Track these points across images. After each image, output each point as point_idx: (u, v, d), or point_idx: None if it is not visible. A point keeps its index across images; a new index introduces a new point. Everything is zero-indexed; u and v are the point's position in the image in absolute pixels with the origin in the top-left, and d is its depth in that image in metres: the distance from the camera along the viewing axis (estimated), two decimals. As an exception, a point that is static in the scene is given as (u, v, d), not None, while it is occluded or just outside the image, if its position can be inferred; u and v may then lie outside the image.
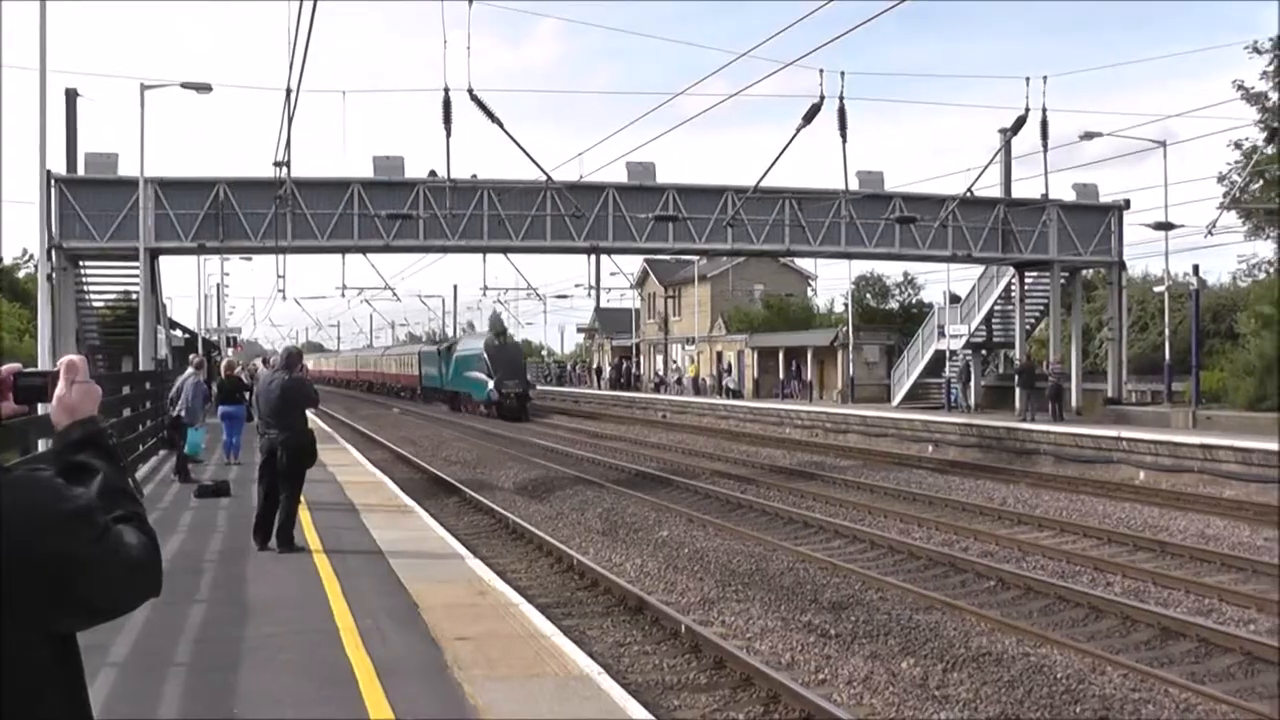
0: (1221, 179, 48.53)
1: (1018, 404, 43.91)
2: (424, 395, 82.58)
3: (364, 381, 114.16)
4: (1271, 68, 47.31)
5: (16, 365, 2.64)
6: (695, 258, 72.21)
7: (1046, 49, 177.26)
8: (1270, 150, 46.09)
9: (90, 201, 37.18)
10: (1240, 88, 47.82)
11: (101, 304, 44.87)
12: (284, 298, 68.43)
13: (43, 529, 2.10)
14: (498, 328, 70.35)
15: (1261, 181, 47.23)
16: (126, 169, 36.75)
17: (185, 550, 15.25)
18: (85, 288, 41.36)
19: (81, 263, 39.59)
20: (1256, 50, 47.43)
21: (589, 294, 62.22)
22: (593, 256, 48.80)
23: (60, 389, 2.53)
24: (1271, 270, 53.06)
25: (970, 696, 11.18)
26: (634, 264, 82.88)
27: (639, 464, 33.99)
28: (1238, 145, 48.18)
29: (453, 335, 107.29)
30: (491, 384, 61.33)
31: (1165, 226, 44.16)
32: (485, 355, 63.49)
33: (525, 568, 18.14)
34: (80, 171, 38.16)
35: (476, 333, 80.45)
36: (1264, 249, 52.67)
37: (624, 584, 16.05)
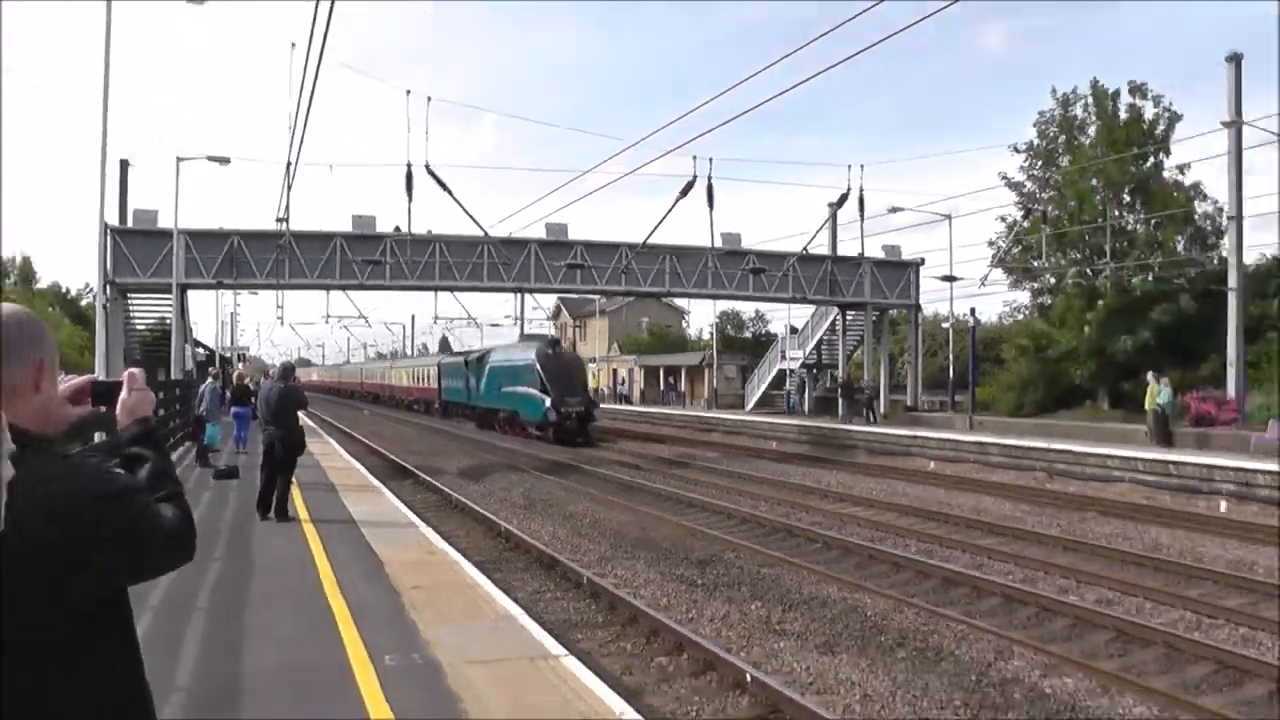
0: (991, 244, 49.46)
1: (840, 410, 44.42)
2: (444, 410, 59.13)
3: (369, 393, 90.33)
4: (1025, 164, 48.50)
5: (93, 375, 2.68)
6: (597, 297, 72.60)
7: (864, 144, 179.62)
8: (1026, 224, 47.06)
9: (136, 247, 37.25)
10: (1004, 177, 48.88)
11: (143, 327, 44.98)
12: (282, 323, 68.19)
13: (92, 506, 2.10)
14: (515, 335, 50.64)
15: (1020, 247, 48.20)
16: (164, 222, 36.85)
17: (204, 520, 14.97)
18: (131, 314, 41.34)
19: (129, 295, 39.47)
20: (1015, 150, 48.72)
21: (515, 323, 61.66)
22: (518, 295, 48.96)
23: (123, 394, 2.56)
24: (1027, 312, 54.11)
25: (802, 630, 11.27)
26: (550, 301, 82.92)
27: (553, 455, 33.89)
28: (1003, 219, 49.14)
29: (423, 350, 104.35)
30: (548, 402, 39.80)
31: (950, 279, 44.93)
32: (538, 367, 41.20)
33: (465, 533, 18.00)
34: (130, 224, 38.17)
35: (519, 341, 57.38)
36: (1022, 296, 53.80)
37: (540, 546, 16.00)
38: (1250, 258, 39.26)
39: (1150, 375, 30.15)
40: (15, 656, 2.02)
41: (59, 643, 2.12)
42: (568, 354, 46.87)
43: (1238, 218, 34.71)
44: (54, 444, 2.53)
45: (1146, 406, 29.60)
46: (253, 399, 25.26)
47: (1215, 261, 41.51)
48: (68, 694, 2.13)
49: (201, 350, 56.09)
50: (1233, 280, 34.64)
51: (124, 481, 2.28)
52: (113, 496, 2.18)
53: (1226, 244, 37.27)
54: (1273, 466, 21.75)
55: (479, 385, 49.63)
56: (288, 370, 16.91)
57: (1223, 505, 21.39)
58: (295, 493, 16.58)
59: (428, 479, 25.55)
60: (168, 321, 40.46)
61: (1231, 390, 33.67)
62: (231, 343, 74.39)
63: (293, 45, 40.38)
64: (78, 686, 2.16)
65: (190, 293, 41.78)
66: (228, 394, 29.17)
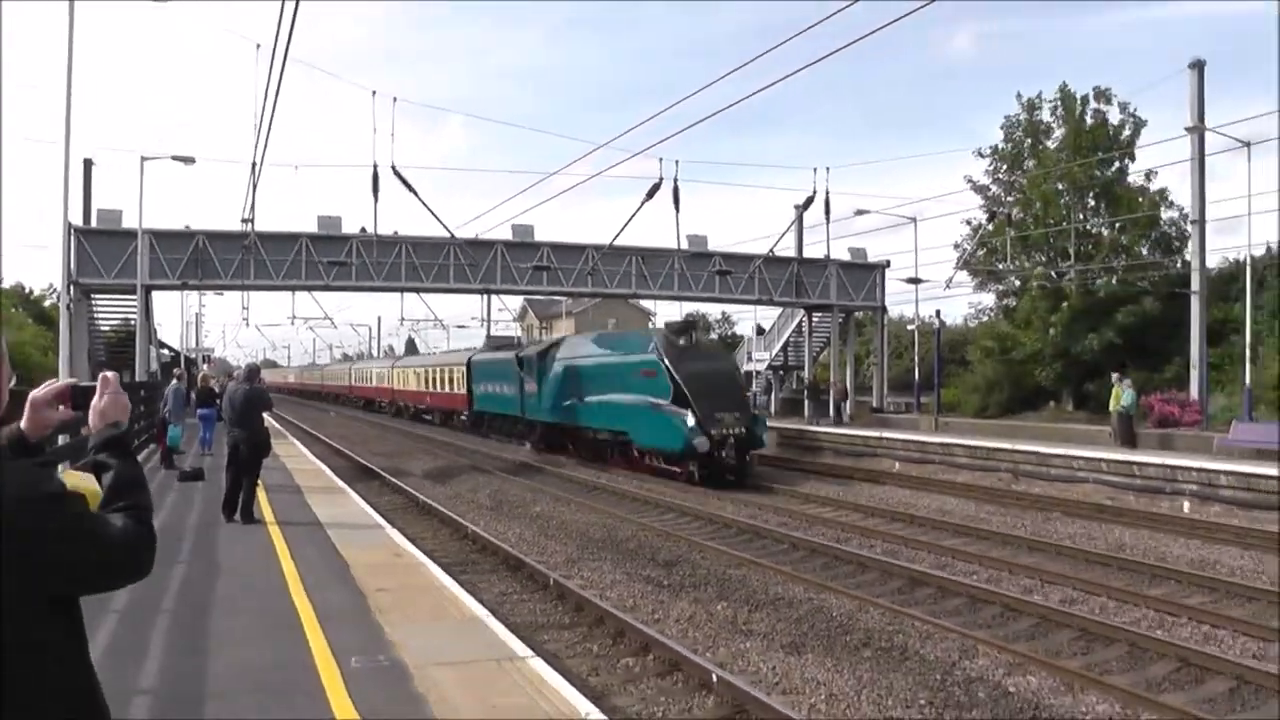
0: (956, 247, 49.81)
1: (806, 412, 44.54)
2: (475, 423, 44.37)
3: (359, 399, 75.11)
4: (990, 168, 48.95)
5: (73, 380, 2.67)
6: (563, 298, 72.53)
7: (830, 147, 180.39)
8: (990, 227, 47.42)
9: (100, 248, 36.93)
10: (969, 181, 49.38)
11: (107, 328, 44.54)
12: (247, 325, 67.63)
13: (22, 508, 2.06)
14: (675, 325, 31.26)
15: (984, 250, 48.55)
16: (129, 222, 36.54)
17: (169, 523, 14.93)
18: (95, 315, 41.02)
19: (92, 295, 39.18)
20: (980, 155, 49.25)
21: (482, 325, 61.17)
22: (485, 296, 48.78)
23: (95, 398, 2.54)
24: (992, 314, 54.47)
25: (768, 630, 11.33)
26: (516, 302, 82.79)
27: (518, 455, 33.83)
28: (968, 222, 49.52)
29: (390, 352, 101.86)
30: (691, 420, 25.28)
31: (915, 281, 45.11)
32: (666, 364, 26.92)
33: (431, 535, 17.98)
34: (93, 224, 37.89)
35: (624, 332, 44.46)
36: (987, 299, 54.21)
37: (507, 548, 16.01)
38: (1213, 261, 39.79)
39: (1114, 376, 30.43)
40: (16, 655, 2.03)
41: (58, 643, 2.13)
42: (709, 346, 32.92)
43: (1200, 222, 35.07)
44: (42, 449, 2.52)
45: (1111, 408, 29.85)
46: (218, 400, 25.14)
47: (1179, 265, 41.94)
48: (63, 685, 2.15)
49: (166, 352, 55.60)
50: (1195, 284, 35.03)
51: (56, 487, 2.20)
52: (46, 498, 2.13)
53: (1190, 248, 37.67)
54: (1234, 467, 22.00)
55: (541, 391, 34.76)
56: (253, 372, 16.87)
57: (1186, 505, 21.61)
58: (261, 495, 16.50)
59: (394, 481, 25.48)
60: (132, 322, 40.18)
61: (1194, 392, 34.04)
62: (196, 344, 73.69)
63: (258, 46, 40.24)
64: (70, 677, 2.17)
65: (155, 293, 41.54)
66: (192, 395, 29.03)
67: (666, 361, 26.96)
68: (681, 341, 28.15)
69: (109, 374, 2.62)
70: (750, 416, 26.86)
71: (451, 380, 48.80)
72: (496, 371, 41.15)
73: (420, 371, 56.69)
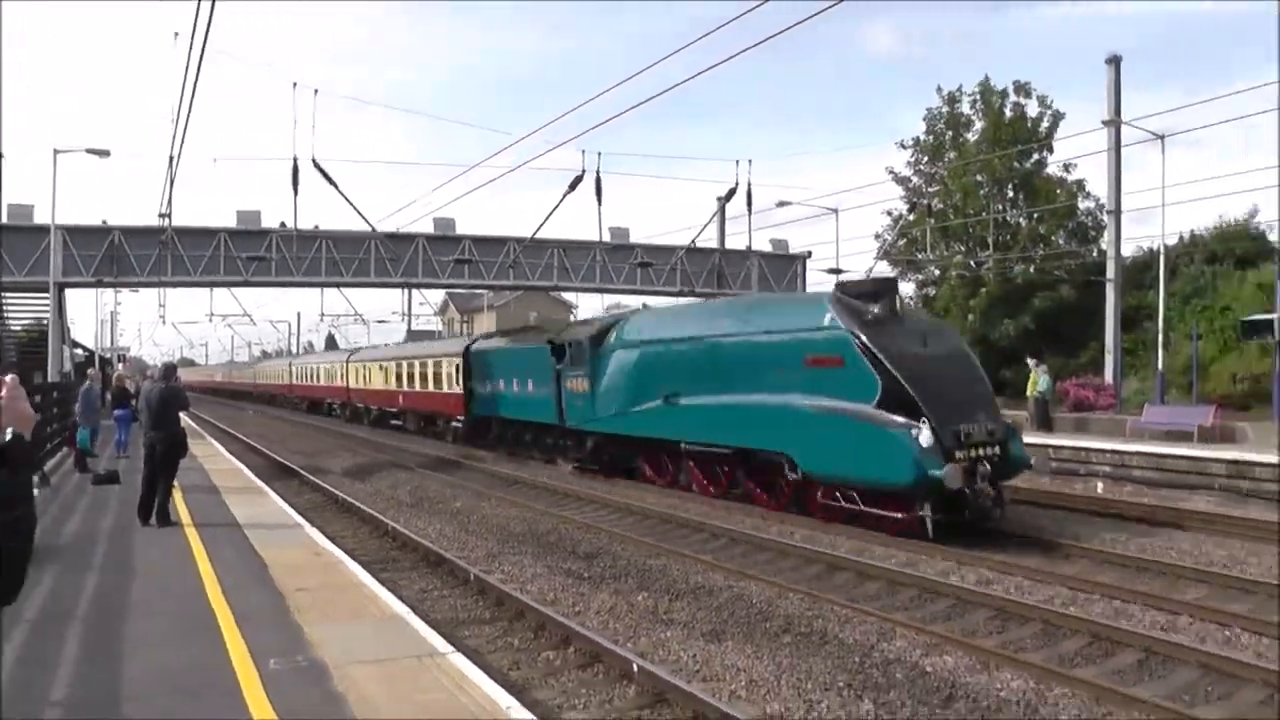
0: (877, 237, 50.48)
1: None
2: (476, 431, 34.53)
3: (302, 398, 65.60)
4: (911, 159, 49.61)
5: None
6: (485, 291, 72.21)
7: (751, 138, 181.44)
8: (911, 217, 48.09)
9: (10, 244, 36.04)
10: (890, 172, 50.05)
11: (19, 328, 43.44)
12: (164, 323, 66.64)
13: None
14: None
15: (905, 240, 49.22)
16: (41, 217, 35.71)
17: (83, 528, 14.78)
18: (6, 314, 40.07)
19: (3, 294, 38.23)
20: (902, 146, 49.90)
21: (403, 319, 60.82)
22: (406, 290, 48.51)
23: None
24: (912, 303, 55.17)
25: (689, 619, 11.43)
26: (438, 296, 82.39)
27: (438, 450, 33.66)
28: (889, 213, 50.24)
29: (309, 349, 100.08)
30: (926, 439, 15.16)
31: (837, 271, 45.61)
32: (864, 343, 16.39)
33: (351, 533, 17.85)
34: (4, 219, 36.81)
35: (764, 297, 37.18)
36: (907, 288, 54.95)
37: (427, 544, 15.94)
38: (1128, 250, 40.73)
39: (1031, 362, 31.06)
40: None
41: None
42: (918, 320, 20.51)
43: (1116, 212, 35.94)
44: None
45: (1028, 393, 30.45)
46: (134, 400, 24.77)
47: (1095, 254, 42.89)
48: None
49: (80, 351, 54.56)
50: (1111, 272, 35.90)
51: None
52: None
53: (1106, 237, 38.52)
54: (1145, 448, 22.60)
55: (596, 390, 24.95)
56: (169, 370, 16.67)
57: (1099, 486, 22.15)
58: (177, 496, 16.36)
59: (313, 479, 25.25)
60: (45, 321, 39.40)
61: (1109, 376, 34.85)
62: (111, 343, 72.43)
63: (175, 35, 39.67)
64: None
65: (68, 291, 40.80)
66: (108, 396, 28.57)
67: (864, 338, 16.78)
68: (874, 312, 17.42)
69: (6, 377, 2.61)
70: (1005, 427, 17.03)
71: (439, 377, 38.49)
72: (514, 364, 31.02)
73: (389, 366, 45.42)
